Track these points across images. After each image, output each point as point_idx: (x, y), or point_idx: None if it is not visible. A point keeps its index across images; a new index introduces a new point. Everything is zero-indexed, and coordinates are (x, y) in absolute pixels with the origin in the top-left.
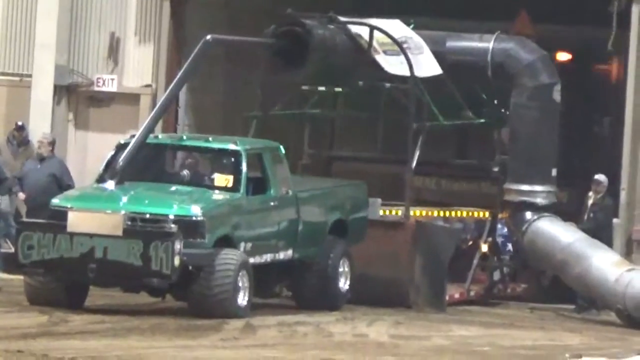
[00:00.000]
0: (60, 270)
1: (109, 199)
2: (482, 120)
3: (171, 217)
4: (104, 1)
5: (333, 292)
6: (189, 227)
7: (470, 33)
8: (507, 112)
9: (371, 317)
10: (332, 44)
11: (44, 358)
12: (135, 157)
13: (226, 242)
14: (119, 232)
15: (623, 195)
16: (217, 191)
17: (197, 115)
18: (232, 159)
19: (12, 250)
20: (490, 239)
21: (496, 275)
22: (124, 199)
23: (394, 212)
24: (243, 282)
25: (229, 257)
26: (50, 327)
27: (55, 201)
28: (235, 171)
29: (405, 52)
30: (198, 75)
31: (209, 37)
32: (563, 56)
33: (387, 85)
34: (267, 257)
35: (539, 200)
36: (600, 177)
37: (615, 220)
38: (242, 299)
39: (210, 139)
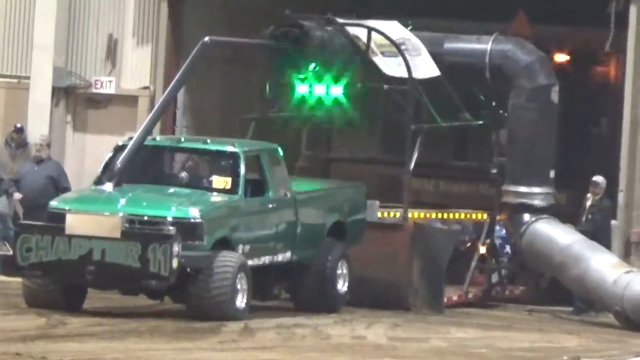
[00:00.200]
0: (58, 273)
1: (107, 201)
2: (480, 122)
3: (169, 219)
4: (101, 3)
5: (331, 295)
6: (187, 230)
7: (468, 34)
8: (505, 114)
9: (369, 319)
10: (330, 45)
11: None
12: (133, 159)
13: (224, 244)
14: (117, 235)
15: (621, 197)
16: (215, 193)
17: (195, 117)
18: (231, 161)
19: (10, 252)
20: (488, 241)
21: (494, 277)
22: (122, 201)
23: (392, 214)
24: (241, 284)
25: (227, 260)
26: (49, 329)
27: (54, 203)
28: (234, 173)
29: (403, 53)
30: (196, 77)
31: (207, 38)
32: (561, 57)
33: (385, 86)
34: (266, 260)
35: (537, 202)
36: (598, 178)
37: (613, 222)
38: (241, 302)
39: (209, 140)
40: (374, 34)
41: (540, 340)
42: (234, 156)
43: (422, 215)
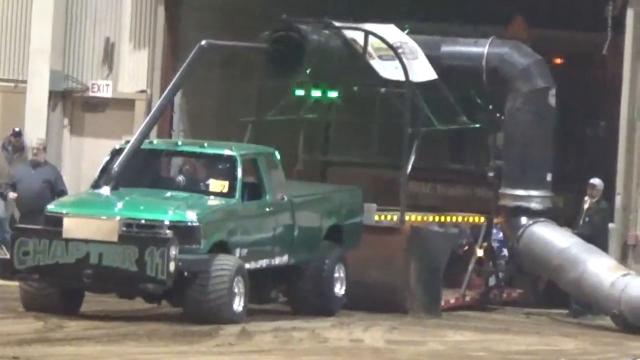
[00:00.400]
0: (55, 276)
1: (104, 204)
2: (477, 125)
3: (166, 222)
4: (98, 6)
5: (329, 298)
6: (184, 233)
7: (465, 38)
8: (502, 117)
9: (367, 323)
10: (327, 49)
11: None
12: (130, 162)
13: (222, 247)
14: (115, 238)
15: (618, 200)
16: (212, 197)
17: (192, 120)
18: (228, 165)
19: (8, 256)
20: (485, 244)
21: (492, 281)
22: (119, 204)
23: (389, 218)
24: (239, 287)
25: (225, 263)
26: (46, 333)
27: (51, 207)
28: (231, 177)
29: (400, 57)
30: (193, 81)
31: (203, 42)
32: (558, 60)
33: (382, 90)
34: (263, 263)
35: (534, 205)
36: (595, 181)
37: (610, 225)
38: (238, 305)
39: (206, 144)
40: (371, 38)
41: (537, 343)
42: (231, 160)
43: (419, 218)
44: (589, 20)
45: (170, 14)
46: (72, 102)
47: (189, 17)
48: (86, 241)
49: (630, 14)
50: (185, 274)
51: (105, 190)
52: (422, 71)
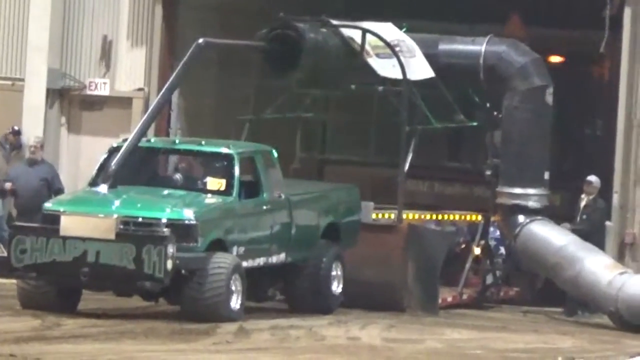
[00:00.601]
0: (53, 274)
1: (102, 202)
2: (475, 123)
3: (164, 221)
4: (96, 4)
5: (326, 296)
6: (181, 231)
7: (462, 36)
8: (500, 115)
9: (364, 321)
10: (324, 47)
11: None
12: (127, 160)
13: (219, 245)
14: (112, 236)
15: (615, 198)
16: (209, 195)
17: (190, 118)
18: (225, 163)
19: (5, 254)
20: (483, 242)
21: (489, 279)
22: (117, 202)
23: (386, 216)
24: (236, 285)
25: (222, 261)
26: (43, 331)
27: (48, 205)
28: (228, 175)
29: (398, 55)
30: (190, 79)
31: (201, 40)
32: (555, 59)
33: (380, 88)
34: (260, 261)
35: (532, 203)
36: (591, 177)
37: (607, 223)
38: (235, 303)
39: (203, 142)
40: (368, 36)
41: (535, 341)
42: (228, 158)
43: (416, 216)
44: (587, 19)
45: (167, 12)
46: (69, 100)
47: (186, 16)
48: (83, 239)
49: (627, 12)
50: (183, 272)
51: (103, 188)
52: (420, 69)
